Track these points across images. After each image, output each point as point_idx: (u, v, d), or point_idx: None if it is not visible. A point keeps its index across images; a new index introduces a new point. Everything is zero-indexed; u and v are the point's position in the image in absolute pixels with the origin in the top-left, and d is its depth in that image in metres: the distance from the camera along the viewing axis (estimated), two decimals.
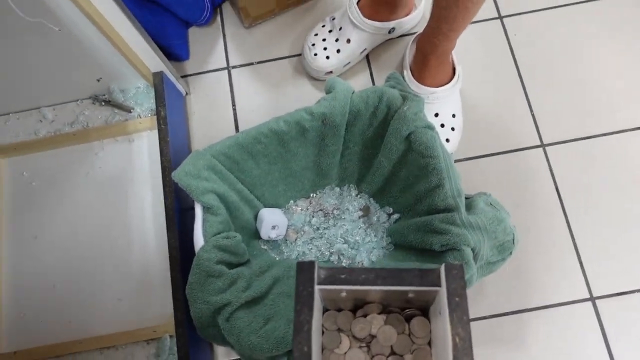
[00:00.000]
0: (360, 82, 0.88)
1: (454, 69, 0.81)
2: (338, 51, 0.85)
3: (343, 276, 0.42)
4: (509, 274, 0.75)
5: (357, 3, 0.83)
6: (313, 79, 0.89)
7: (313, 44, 0.86)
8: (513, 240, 0.66)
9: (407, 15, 0.86)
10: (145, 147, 0.82)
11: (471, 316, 0.73)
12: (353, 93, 0.71)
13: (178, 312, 0.68)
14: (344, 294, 0.44)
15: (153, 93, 0.81)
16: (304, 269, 0.41)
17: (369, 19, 0.82)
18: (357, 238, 0.74)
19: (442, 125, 0.80)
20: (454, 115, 0.81)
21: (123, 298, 0.75)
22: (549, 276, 0.75)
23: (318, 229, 0.76)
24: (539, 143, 0.83)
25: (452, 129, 0.80)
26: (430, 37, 0.74)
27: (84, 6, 0.60)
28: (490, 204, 0.66)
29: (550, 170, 0.81)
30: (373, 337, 0.48)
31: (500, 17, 0.91)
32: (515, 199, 0.79)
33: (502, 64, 0.88)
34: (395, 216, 0.74)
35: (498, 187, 0.79)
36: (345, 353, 0.48)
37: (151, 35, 0.76)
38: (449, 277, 0.39)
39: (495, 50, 0.89)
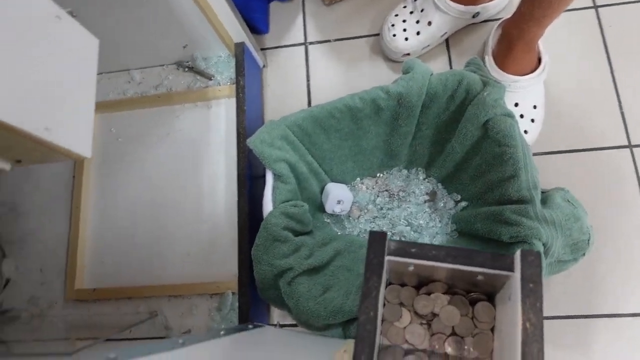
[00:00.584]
0: (437, 67, 0.87)
1: (539, 59, 0.77)
2: (418, 33, 0.83)
3: (413, 250, 0.42)
4: (580, 275, 0.71)
5: None
6: (389, 60, 0.88)
7: (392, 25, 0.85)
8: (588, 240, 0.63)
9: None
10: (222, 114, 0.85)
11: None
12: (431, 75, 0.70)
13: (242, 272, 0.71)
14: (411, 268, 0.44)
15: (233, 63, 0.84)
16: (376, 238, 0.42)
17: (453, 1, 0.80)
18: (420, 222, 0.74)
19: (522, 116, 0.77)
20: (535, 107, 0.77)
21: (192, 253, 0.79)
22: (622, 284, 0.71)
23: (382, 208, 0.77)
24: (626, 143, 0.77)
25: (532, 120, 0.77)
26: (519, 22, 0.71)
27: None
28: (568, 201, 0.63)
29: (637, 173, 0.76)
30: (435, 315, 0.48)
31: (596, 7, 0.86)
32: (594, 199, 0.75)
33: (593, 56, 0.83)
34: (463, 204, 0.72)
35: (577, 186, 0.75)
36: (405, 327, 0.48)
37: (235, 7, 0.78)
38: (525, 263, 0.39)
39: (587, 41, 0.84)
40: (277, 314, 0.78)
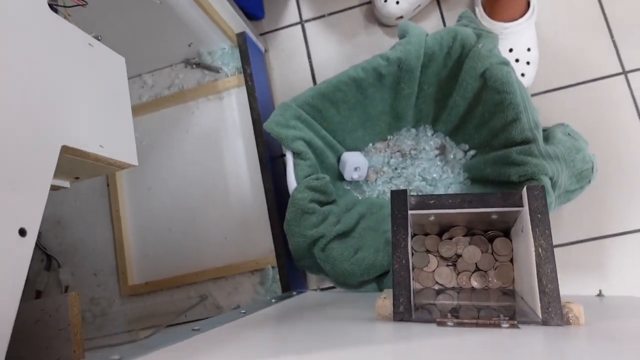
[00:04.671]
0: (431, 24, 0.90)
1: (528, 2, 0.80)
2: None
3: (432, 202, 0.48)
4: (589, 202, 0.76)
5: None
6: (384, 25, 0.91)
7: None
8: (592, 168, 0.67)
9: None
10: (234, 102, 0.90)
11: None
12: (427, 35, 0.73)
13: (277, 246, 0.78)
14: (432, 218, 0.50)
15: (237, 53, 0.89)
16: (398, 195, 0.47)
17: None
18: (434, 175, 0.79)
19: (517, 60, 0.80)
20: (529, 49, 0.81)
21: (229, 236, 0.86)
22: (629, 204, 0.76)
23: (396, 168, 0.82)
24: (620, 70, 0.81)
25: (528, 62, 0.80)
26: None
27: None
28: (569, 134, 0.68)
29: (633, 97, 0.79)
30: (459, 256, 0.54)
31: None
32: (595, 129, 0.79)
33: None
34: (472, 152, 0.77)
35: (577, 119, 0.79)
36: (434, 271, 0.54)
37: None
38: (531, 197, 0.44)
39: None
40: (314, 280, 0.85)
